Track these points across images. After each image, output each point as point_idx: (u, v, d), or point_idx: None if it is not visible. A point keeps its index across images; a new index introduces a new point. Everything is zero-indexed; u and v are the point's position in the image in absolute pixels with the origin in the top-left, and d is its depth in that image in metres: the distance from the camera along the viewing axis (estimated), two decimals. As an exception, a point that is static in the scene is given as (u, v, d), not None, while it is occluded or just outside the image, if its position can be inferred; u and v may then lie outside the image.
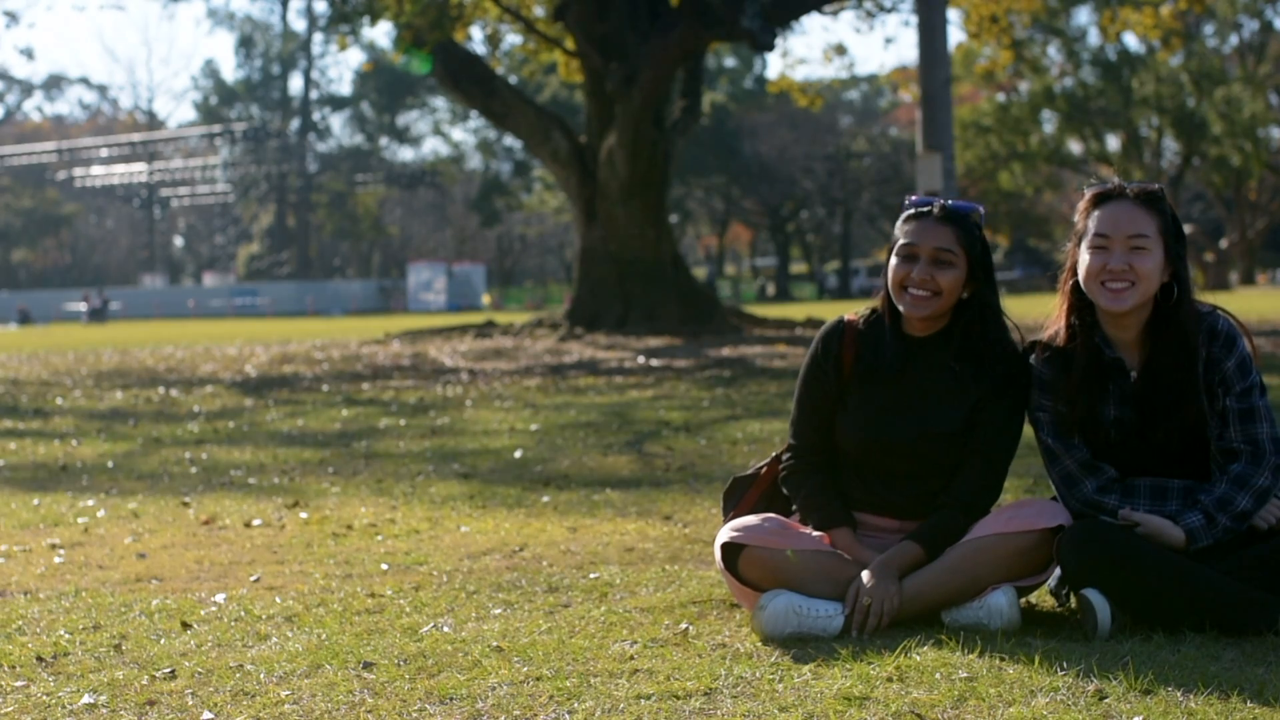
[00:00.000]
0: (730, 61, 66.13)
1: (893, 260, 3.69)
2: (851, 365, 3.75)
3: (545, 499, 6.03)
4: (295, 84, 77.76)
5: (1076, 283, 3.61)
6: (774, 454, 4.02)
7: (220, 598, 4.14)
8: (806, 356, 3.84)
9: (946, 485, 3.68)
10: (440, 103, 73.62)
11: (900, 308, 3.69)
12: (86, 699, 3.04)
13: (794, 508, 3.83)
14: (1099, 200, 3.59)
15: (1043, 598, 3.81)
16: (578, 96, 35.53)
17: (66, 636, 3.65)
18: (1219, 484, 3.52)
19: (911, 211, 3.73)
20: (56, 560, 4.90)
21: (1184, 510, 3.52)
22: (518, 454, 7.73)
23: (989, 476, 3.69)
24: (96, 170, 67.69)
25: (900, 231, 3.71)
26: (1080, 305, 3.63)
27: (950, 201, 3.73)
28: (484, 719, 2.88)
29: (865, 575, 3.54)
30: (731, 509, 3.97)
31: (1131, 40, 51.24)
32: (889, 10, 23.66)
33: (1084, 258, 3.56)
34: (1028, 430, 3.77)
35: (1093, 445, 3.63)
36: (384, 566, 4.61)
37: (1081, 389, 3.60)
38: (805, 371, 3.82)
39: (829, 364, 3.77)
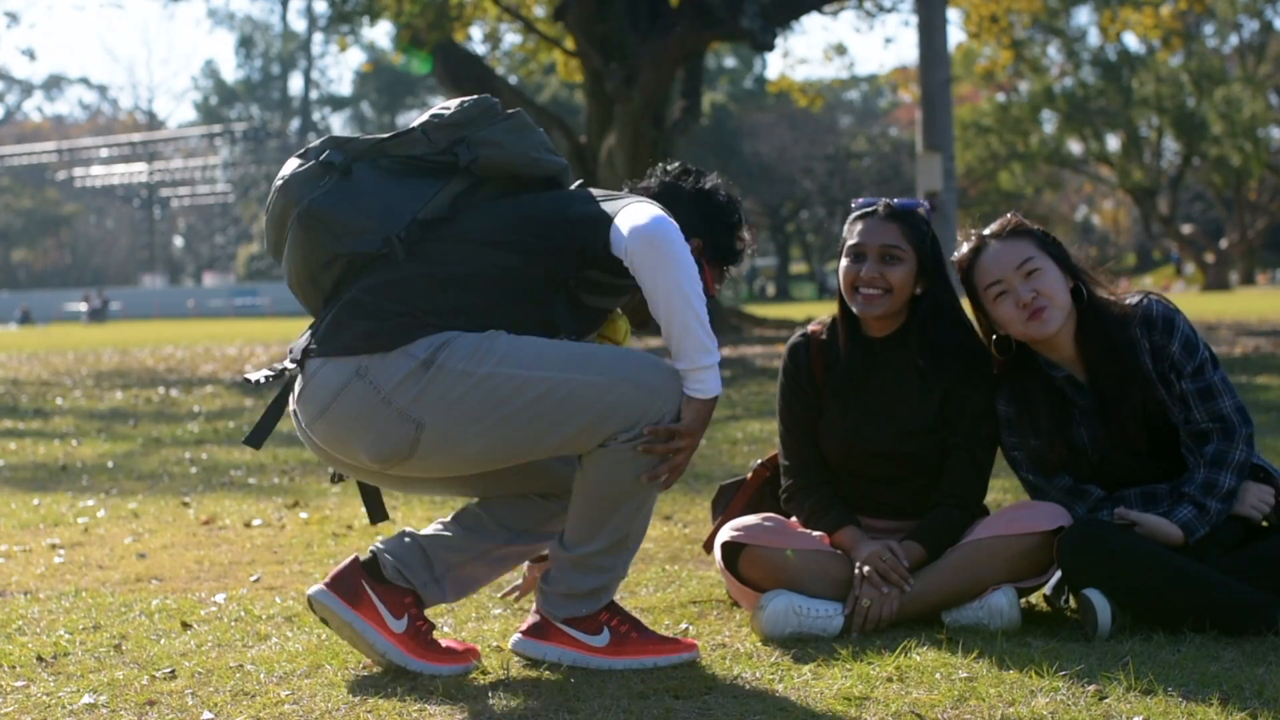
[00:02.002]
0: (730, 61, 66.17)
1: (843, 262, 3.72)
2: (823, 375, 3.77)
3: (545, 499, 6.03)
4: (295, 84, 77.89)
5: (999, 336, 3.66)
6: (759, 460, 4.04)
7: (220, 598, 4.14)
8: (780, 376, 3.86)
9: (937, 480, 3.69)
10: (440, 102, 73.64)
11: (854, 309, 3.71)
12: (86, 699, 3.04)
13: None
14: (974, 255, 3.64)
15: (1041, 600, 3.81)
16: (578, 96, 35.56)
17: (66, 636, 3.65)
18: (1198, 470, 3.53)
19: (857, 213, 3.76)
20: (56, 560, 4.90)
21: (1173, 507, 3.52)
22: (518, 454, 7.72)
23: (975, 468, 3.69)
24: (96, 170, 67.67)
25: (848, 233, 3.75)
26: (1005, 340, 3.66)
27: (895, 200, 3.75)
28: (484, 719, 2.88)
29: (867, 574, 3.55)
30: (718, 516, 3.99)
31: (1131, 40, 51.21)
32: (889, 10, 23.64)
33: (996, 311, 3.61)
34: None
35: (1076, 471, 3.65)
36: (384, 566, 4.60)
37: (1050, 420, 3.63)
38: (782, 390, 3.83)
39: (802, 378, 3.79)
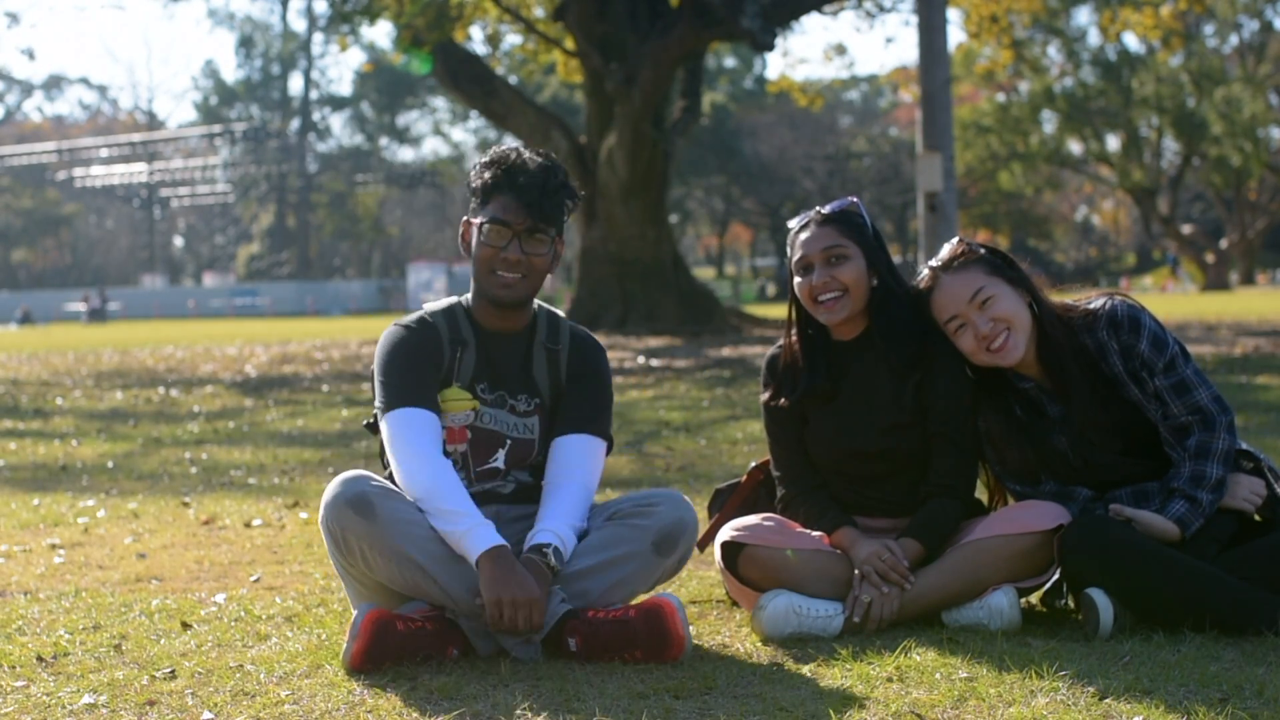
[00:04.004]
0: (730, 61, 66.11)
1: (796, 280, 3.73)
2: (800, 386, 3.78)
3: (545, 499, 6.02)
4: (295, 84, 77.78)
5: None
6: (754, 463, 4.05)
7: (220, 598, 4.14)
8: (761, 389, 3.88)
9: (926, 472, 3.70)
10: (440, 103, 73.62)
11: (820, 320, 3.72)
12: (86, 699, 3.04)
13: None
14: (930, 290, 3.66)
15: (1040, 600, 3.81)
16: (578, 96, 35.57)
17: (66, 636, 3.64)
18: (1184, 464, 3.53)
19: (794, 230, 3.78)
20: (56, 560, 4.90)
21: (1165, 503, 3.52)
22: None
23: (957, 453, 3.69)
24: (96, 170, 67.62)
25: (791, 252, 3.77)
26: (987, 372, 3.68)
27: (825, 207, 3.77)
28: (483, 719, 2.88)
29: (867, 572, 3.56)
30: (713, 518, 4.00)
31: (1131, 40, 51.20)
32: (889, 10, 23.66)
33: (958, 344, 3.63)
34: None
35: (1062, 474, 3.66)
36: (384, 566, 4.60)
37: (1024, 432, 3.64)
38: (765, 403, 3.85)
39: (782, 390, 3.80)
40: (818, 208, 3.78)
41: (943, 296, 3.63)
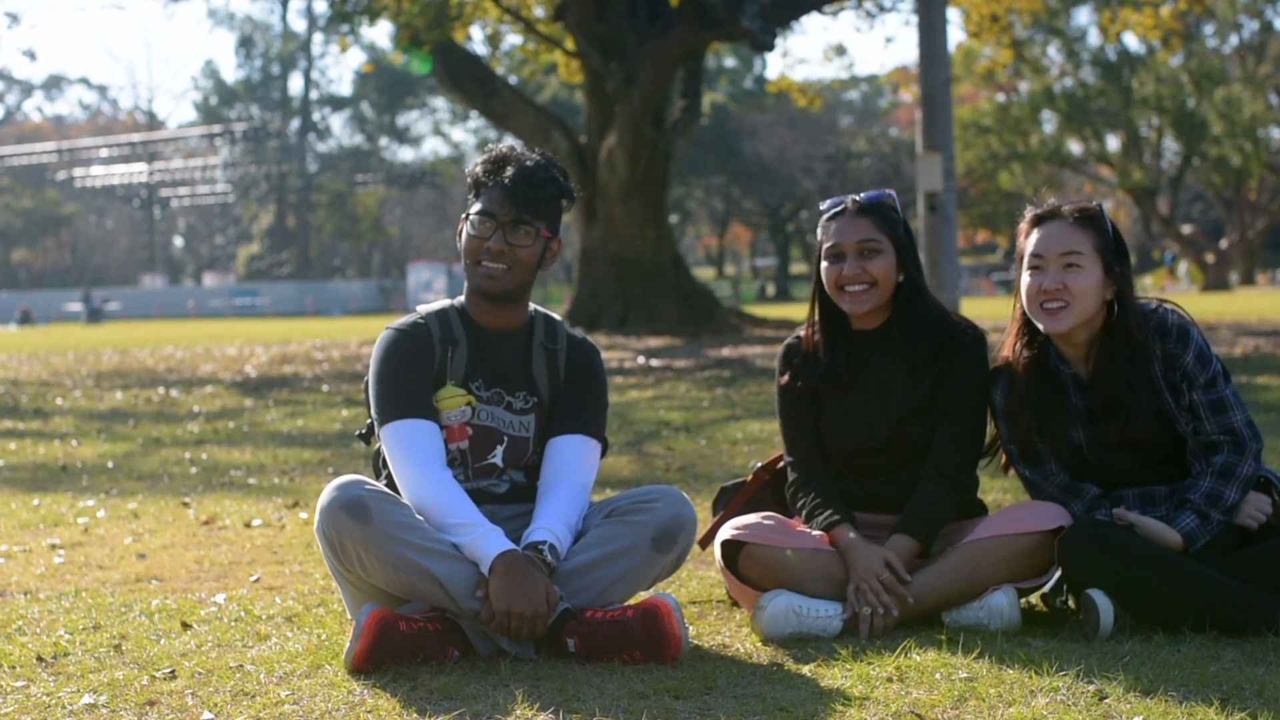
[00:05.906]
0: (730, 61, 66.11)
1: (824, 265, 3.73)
2: (816, 375, 3.78)
3: (545, 499, 6.02)
4: (295, 84, 77.78)
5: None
6: (759, 463, 4.05)
7: (220, 598, 4.14)
8: (777, 377, 3.87)
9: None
10: (440, 103, 73.61)
11: (844, 308, 3.71)
12: (86, 699, 3.04)
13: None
14: (1036, 222, 3.61)
15: (1040, 600, 3.80)
16: (578, 96, 35.54)
17: (66, 636, 3.64)
18: (1203, 478, 3.52)
19: (829, 214, 3.76)
20: (56, 560, 4.90)
21: (1175, 512, 3.51)
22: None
23: (960, 442, 3.69)
24: (96, 170, 67.60)
25: (823, 236, 3.75)
26: (1029, 328, 3.66)
27: (862, 195, 3.76)
28: (484, 719, 2.88)
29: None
30: (717, 517, 4.01)
31: (1131, 40, 51.14)
32: (889, 10, 23.66)
33: (1024, 279, 3.59)
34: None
35: (1072, 468, 3.64)
36: (384, 566, 4.59)
37: (1028, 407, 3.62)
38: (780, 391, 3.85)
39: (798, 377, 3.79)
40: (852, 195, 3.76)
41: (1043, 232, 3.57)
